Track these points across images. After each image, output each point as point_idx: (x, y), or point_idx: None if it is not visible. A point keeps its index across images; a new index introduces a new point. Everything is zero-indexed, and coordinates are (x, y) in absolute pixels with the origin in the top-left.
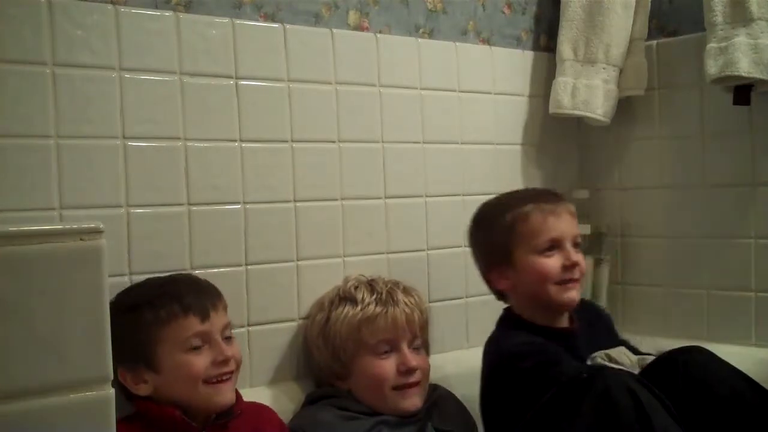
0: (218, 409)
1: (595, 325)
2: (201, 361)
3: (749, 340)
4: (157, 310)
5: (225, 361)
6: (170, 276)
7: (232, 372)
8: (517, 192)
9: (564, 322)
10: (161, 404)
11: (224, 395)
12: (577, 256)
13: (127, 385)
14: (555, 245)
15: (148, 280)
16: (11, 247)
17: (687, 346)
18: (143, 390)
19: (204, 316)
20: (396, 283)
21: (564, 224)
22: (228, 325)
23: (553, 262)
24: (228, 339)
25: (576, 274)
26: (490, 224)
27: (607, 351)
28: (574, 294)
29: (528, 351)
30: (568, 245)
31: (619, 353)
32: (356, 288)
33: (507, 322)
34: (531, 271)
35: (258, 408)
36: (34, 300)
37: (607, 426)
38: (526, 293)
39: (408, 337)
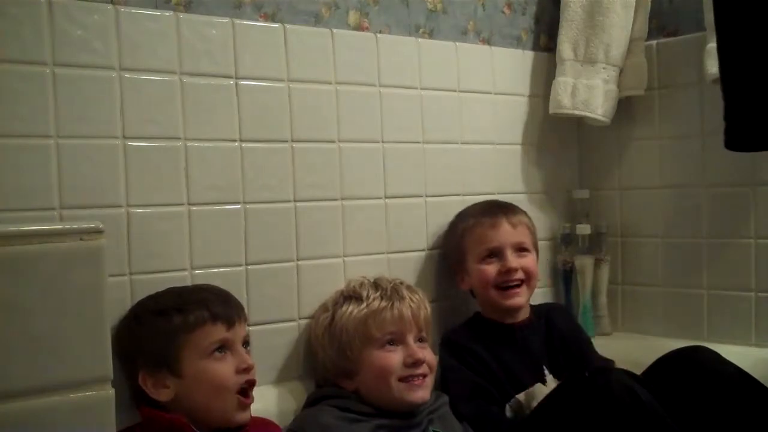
0: (235, 425)
1: (555, 329)
2: (225, 369)
3: (749, 340)
4: (185, 316)
5: (247, 369)
6: (195, 285)
7: (253, 383)
8: (473, 205)
9: (516, 318)
10: (168, 412)
11: (244, 415)
12: (517, 261)
13: (147, 390)
14: (494, 253)
15: (171, 288)
16: (11, 247)
17: (689, 346)
18: (164, 395)
19: (230, 324)
20: (401, 281)
21: (501, 234)
22: (248, 336)
23: (491, 269)
24: (246, 348)
25: (515, 276)
26: (450, 234)
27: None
28: (515, 299)
29: (451, 348)
30: (508, 252)
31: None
32: (361, 285)
33: (468, 319)
34: (476, 276)
35: (264, 423)
36: (34, 300)
37: (608, 425)
38: (478, 294)
39: (414, 331)
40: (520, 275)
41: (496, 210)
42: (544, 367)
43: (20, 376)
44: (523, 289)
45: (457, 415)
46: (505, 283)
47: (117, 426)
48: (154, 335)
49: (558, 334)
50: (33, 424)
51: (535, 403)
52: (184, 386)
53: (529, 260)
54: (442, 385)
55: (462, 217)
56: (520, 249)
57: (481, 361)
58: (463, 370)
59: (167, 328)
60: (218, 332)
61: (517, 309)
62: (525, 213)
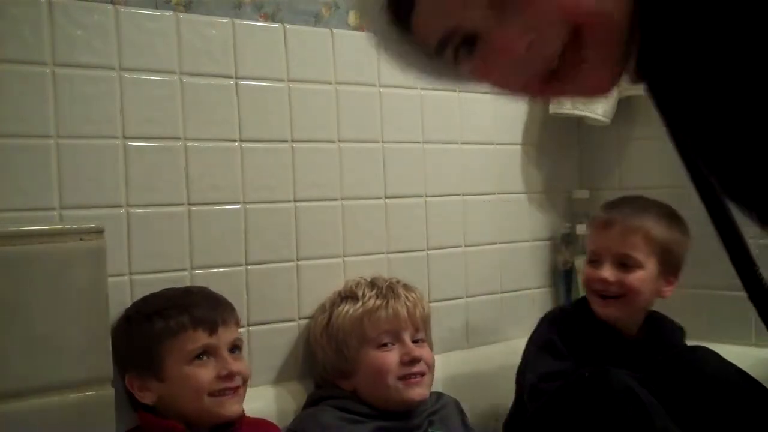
0: (222, 421)
1: (662, 345)
2: (206, 374)
3: (749, 340)
4: (167, 321)
5: (229, 376)
6: (185, 288)
7: (237, 387)
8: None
9: (629, 331)
10: (164, 417)
11: (229, 407)
12: (614, 274)
13: (133, 392)
14: (596, 259)
15: (165, 290)
16: (11, 247)
17: (689, 346)
18: (147, 398)
19: (212, 330)
20: (397, 280)
21: (605, 239)
22: (237, 341)
23: (588, 272)
24: (236, 354)
25: (607, 288)
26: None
27: None
28: (604, 310)
29: (550, 328)
30: (607, 262)
31: None
32: (357, 285)
33: (578, 303)
34: (583, 276)
35: (260, 423)
36: (34, 300)
37: (607, 424)
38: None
39: (410, 329)
40: (615, 290)
41: (617, 207)
42: None
43: (20, 376)
44: (619, 303)
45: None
46: (601, 291)
47: (117, 426)
48: (139, 339)
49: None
50: (33, 424)
51: None
52: (166, 390)
53: (633, 276)
54: (531, 353)
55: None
56: (624, 263)
57: (581, 344)
58: (557, 352)
59: (150, 333)
60: (200, 338)
61: (609, 319)
62: (660, 217)
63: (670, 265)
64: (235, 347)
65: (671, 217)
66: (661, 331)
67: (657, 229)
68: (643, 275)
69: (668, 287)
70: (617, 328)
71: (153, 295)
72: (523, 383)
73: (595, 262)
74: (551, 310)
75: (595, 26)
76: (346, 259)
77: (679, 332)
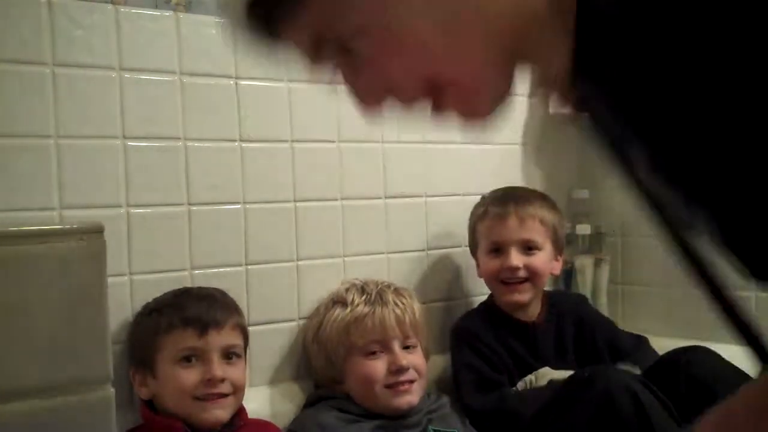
0: (206, 426)
1: (566, 319)
2: (190, 377)
3: None
4: (160, 318)
5: (212, 381)
6: (195, 287)
7: (223, 394)
8: (493, 191)
9: (528, 315)
10: (165, 415)
11: (211, 413)
12: (521, 259)
13: (134, 385)
14: (499, 248)
15: (180, 288)
16: (11, 247)
17: (689, 346)
18: (144, 393)
19: (202, 332)
20: (388, 285)
21: (507, 230)
22: (234, 347)
23: (494, 264)
24: (231, 360)
25: (517, 275)
26: (469, 220)
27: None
28: (514, 296)
29: (463, 336)
30: (512, 250)
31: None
32: (347, 290)
33: (482, 310)
34: (482, 268)
35: (260, 424)
36: (34, 300)
37: (607, 426)
38: (486, 285)
39: (399, 337)
40: (522, 274)
41: (507, 200)
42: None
43: (20, 376)
44: (527, 287)
45: (465, 407)
46: (509, 279)
47: (117, 426)
48: (139, 334)
49: (571, 338)
50: (33, 424)
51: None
52: (157, 387)
53: (536, 259)
54: (453, 375)
55: (478, 203)
56: (528, 247)
57: (492, 350)
58: (473, 359)
59: (147, 328)
60: (188, 339)
61: (514, 307)
62: (544, 202)
63: (558, 245)
64: (231, 353)
65: (550, 201)
66: (566, 306)
67: (546, 213)
68: (544, 256)
69: (557, 264)
70: (527, 317)
71: (167, 293)
72: (474, 413)
73: (497, 252)
74: (460, 326)
75: (458, 88)
76: (346, 259)
77: (581, 301)
